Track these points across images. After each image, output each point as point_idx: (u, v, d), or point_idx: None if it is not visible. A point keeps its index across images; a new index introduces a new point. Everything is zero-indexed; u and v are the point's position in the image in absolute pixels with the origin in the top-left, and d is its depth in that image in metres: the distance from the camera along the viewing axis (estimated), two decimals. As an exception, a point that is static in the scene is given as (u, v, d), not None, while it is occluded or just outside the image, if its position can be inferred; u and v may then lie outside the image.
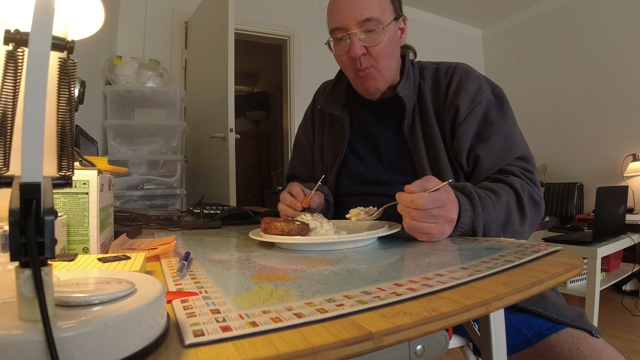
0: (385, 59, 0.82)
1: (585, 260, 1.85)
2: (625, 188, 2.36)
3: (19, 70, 0.24)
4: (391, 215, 0.80)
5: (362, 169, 0.93)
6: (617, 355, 0.62)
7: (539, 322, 0.68)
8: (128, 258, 0.46)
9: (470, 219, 0.64)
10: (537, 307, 0.69)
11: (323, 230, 0.66)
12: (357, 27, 0.79)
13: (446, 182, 0.62)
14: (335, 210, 0.97)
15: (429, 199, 0.59)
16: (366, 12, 0.78)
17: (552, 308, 0.68)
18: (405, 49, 0.93)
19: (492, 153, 0.78)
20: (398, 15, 0.84)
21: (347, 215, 0.73)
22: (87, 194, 0.53)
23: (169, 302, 0.33)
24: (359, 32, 0.79)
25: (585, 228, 2.54)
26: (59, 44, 0.26)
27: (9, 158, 0.25)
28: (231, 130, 2.23)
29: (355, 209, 0.73)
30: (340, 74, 1.00)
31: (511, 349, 0.69)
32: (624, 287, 2.58)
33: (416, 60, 0.95)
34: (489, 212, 0.66)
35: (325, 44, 0.87)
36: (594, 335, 0.64)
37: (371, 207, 0.73)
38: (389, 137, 0.91)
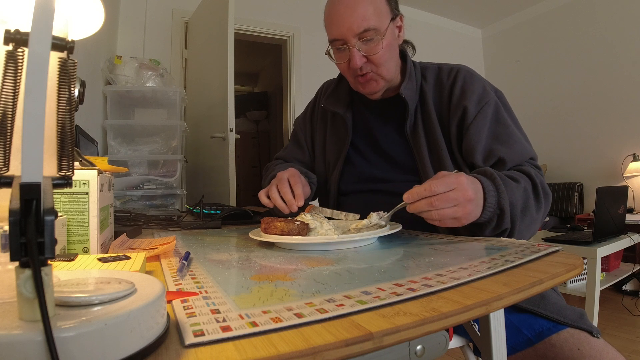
0: (385, 64, 0.83)
1: (585, 260, 1.85)
2: (625, 188, 2.36)
3: (19, 70, 0.24)
4: (396, 216, 0.79)
5: (365, 167, 0.94)
6: (618, 356, 0.62)
7: (539, 322, 0.68)
8: (128, 258, 0.46)
9: (495, 198, 0.65)
10: (538, 307, 0.69)
11: (323, 230, 0.66)
12: (356, 39, 0.79)
13: (454, 172, 0.64)
14: (338, 210, 0.97)
15: (439, 183, 0.59)
16: (364, 23, 0.78)
17: (553, 308, 0.68)
18: (404, 44, 0.94)
19: (515, 155, 0.79)
20: (395, 14, 0.84)
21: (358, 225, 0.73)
22: (87, 194, 0.53)
23: (169, 302, 0.33)
24: (358, 43, 0.79)
25: (585, 228, 2.54)
26: (59, 44, 0.26)
27: (9, 158, 0.25)
28: (231, 130, 2.23)
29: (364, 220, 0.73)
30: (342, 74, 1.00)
31: (511, 349, 0.69)
32: (624, 287, 2.58)
33: (415, 57, 0.96)
34: (511, 192, 0.67)
35: (325, 54, 0.88)
36: (594, 336, 0.64)
37: (382, 211, 0.72)
38: (392, 136, 0.91)
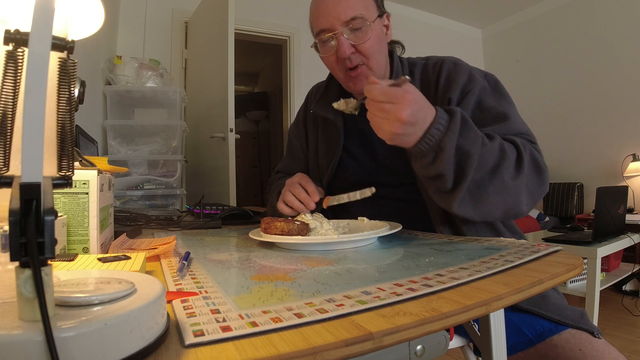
0: (374, 55, 0.81)
1: (585, 260, 1.85)
2: (625, 188, 2.35)
3: (19, 70, 0.24)
4: (389, 215, 0.79)
5: (359, 172, 0.92)
6: (619, 356, 0.62)
7: (540, 322, 0.68)
8: (128, 258, 0.46)
9: (440, 134, 0.62)
10: (539, 307, 0.69)
11: (323, 230, 0.66)
12: (344, 26, 0.77)
13: (403, 78, 0.60)
14: (334, 213, 0.97)
15: (381, 91, 0.58)
16: (350, 12, 0.77)
17: (554, 308, 0.68)
18: (393, 44, 0.92)
19: (497, 130, 0.73)
20: (381, 12, 0.83)
21: (335, 105, 0.77)
22: (87, 194, 0.53)
23: (169, 302, 0.33)
24: (346, 31, 0.78)
25: (585, 228, 2.54)
26: (59, 44, 0.26)
27: (9, 158, 0.25)
28: (231, 130, 2.23)
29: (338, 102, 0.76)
30: (331, 76, 0.98)
31: (512, 349, 0.69)
32: (624, 287, 2.58)
33: (407, 55, 0.94)
34: (471, 141, 0.63)
35: (311, 46, 0.86)
36: (595, 336, 0.64)
37: (352, 99, 0.75)
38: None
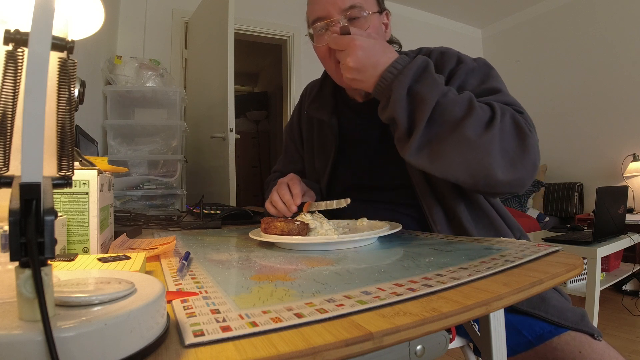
0: None
1: (585, 260, 1.85)
2: (625, 188, 2.35)
3: (19, 70, 0.24)
4: (385, 219, 0.78)
5: (354, 175, 0.91)
6: (619, 359, 0.61)
7: (540, 324, 0.67)
8: (128, 258, 0.46)
9: (392, 76, 0.64)
10: (539, 310, 0.68)
11: (323, 230, 0.66)
12: (341, 15, 0.76)
13: (344, 26, 0.68)
14: (329, 216, 0.96)
15: (333, 39, 0.66)
16: (348, 1, 0.75)
17: (554, 311, 0.67)
18: (390, 44, 0.91)
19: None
20: (381, 9, 0.82)
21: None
22: (87, 194, 0.53)
23: (169, 302, 0.33)
24: (343, 20, 0.76)
25: (585, 228, 2.54)
26: (59, 44, 0.26)
27: (9, 158, 0.25)
28: (231, 130, 2.23)
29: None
30: (325, 75, 0.96)
31: (511, 350, 0.68)
32: (624, 287, 2.58)
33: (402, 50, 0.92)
34: (428, 88, 0.62)
35: (305, 35, 0.84)
36: (596, 338, 0.64)
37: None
38: (379, 139, 0.88)
